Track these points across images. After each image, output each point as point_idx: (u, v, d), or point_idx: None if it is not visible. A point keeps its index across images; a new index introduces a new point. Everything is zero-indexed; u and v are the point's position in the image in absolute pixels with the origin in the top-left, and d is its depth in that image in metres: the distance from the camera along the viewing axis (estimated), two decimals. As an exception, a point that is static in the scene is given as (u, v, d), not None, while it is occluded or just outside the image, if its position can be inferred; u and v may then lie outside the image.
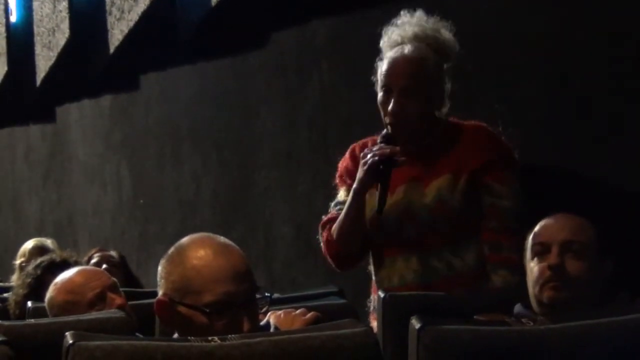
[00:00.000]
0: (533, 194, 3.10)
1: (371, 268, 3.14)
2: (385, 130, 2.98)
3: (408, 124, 2.97)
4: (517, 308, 2.60)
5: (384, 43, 3.05)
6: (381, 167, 2.90)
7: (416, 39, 3.00)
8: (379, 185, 2.91)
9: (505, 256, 2.89)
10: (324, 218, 3.14)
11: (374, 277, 3.12)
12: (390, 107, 2.96)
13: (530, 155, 3.18)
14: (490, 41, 3.36)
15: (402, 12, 3.06)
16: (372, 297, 3.11)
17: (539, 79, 3.18)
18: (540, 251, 2.56)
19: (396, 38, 3.03)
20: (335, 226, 3.06)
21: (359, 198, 2.97)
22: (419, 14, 3.05)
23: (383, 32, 3.07)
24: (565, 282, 2.50)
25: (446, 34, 3.03)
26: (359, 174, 2.94)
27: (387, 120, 2.98)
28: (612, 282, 2.55)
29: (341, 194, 3.10)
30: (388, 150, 2.90)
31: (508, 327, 2.14)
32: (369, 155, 2.91)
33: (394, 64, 2.99)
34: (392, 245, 3.03)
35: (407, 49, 2.99)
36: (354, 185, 2.96)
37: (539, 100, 3.19)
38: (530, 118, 3.21)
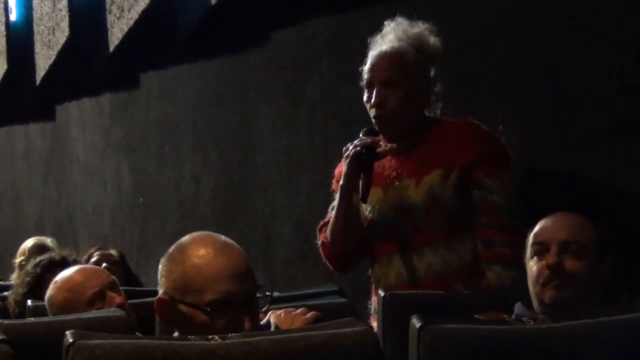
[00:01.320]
0: (533, 193, 3.10)
1: (370, 269, 3.14)
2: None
3: (392, 115, 3.00)
4: (517, 307, 2.60)
5: (370, 54, 3.09)
6: (363, 158, 2.94)
7: (398, 39, 3.03)
8: (362, 174, 2.93)
9: (498, 252, 2.90)
10: (321, 222, 3.16)
11: (372, 278, 3.12)
12: (372, 100, 2.99)
13: (531, 154, 3.19)
14: (491, 41, 3.36)
15: (385, 23, 3.09)
16: (372, 299, 3.11)
17: (540, 79, 3.18)
18: (540, 251, 2.56)
19: (380, 44, 3.06)
20: (328, 227, 3.08)
21: (347, 194, 2.99)
22: (401, 19, 3.08)
23: (369, 43, 3.10)
24: (565, 281, 2.50)
25: (430, 36, 3.06)
26: (343, 168, 2.97)
27: (372, 113, 3.02)
28: (612, 282, 2.54)
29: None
30: (369, 140, 2.95)
31: (508, 326, 2.14)
32: (350, 148, 2.96)
33: (373, 60, 3.05)
34: (388, 244, 3.04)
35: (386, 45, 3.04)
36: (341, 182, 2.99)
37: (539, 100, 3.19)
38: (531, 118, 3.21)
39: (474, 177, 2.95)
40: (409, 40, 3.03)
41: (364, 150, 2.95)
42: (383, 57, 3.02)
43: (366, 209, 3.04)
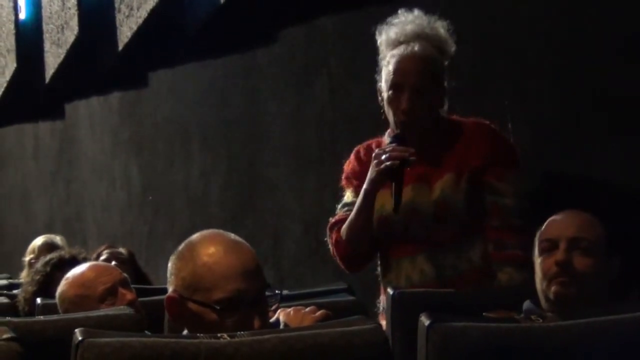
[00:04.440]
0: (542, 190, 3.10)
1: (380, 270, 3.14)
2: (393, 131, 2.99)
3: (420, 122, 2.97)
4: (526, 305, 2.60)
5: (381, 42, 3.05)
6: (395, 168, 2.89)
7: (418, 38, 2.99)
8: (393, 184, 2.90)
9: (509, 253, 2.89)
10: (332, 220, 3.14)
11: (381, 279, 3.12)
12: (403, 106, 2.94)
13: (540, 152, 3.18)
14: (500, 37, 3.36)
15: (399, 11, 3.05)
16: (381, 298, 3.11)
17: (549, 76, 3.18)
18: (548, 247, 2.55)
19: (395, 37, 3.02)
20: (345, 227, 3.06)
21: (370, 198, 2.96)
22: (417, 12, 3.04)
23: (377, 31, 3.06)
24: (573, 278, 2.50)
25: (443, 32, 3.03)
26: (371, 174, 2.92)
27: (397, 117, 2.97)
28: (621, 281, 2.54)
29: (348, 196, 3.10)
30: (407, 154, 2.87)
31: (517, 324, 2.14)
32: (383, 157, 2.88)
33: (404, 62, 2.97)
34: (398, 246, 3.03)
35: (416, 47, 2.97)
36: (365, 186, 2.95)
37: (549, 96, 3.18)
38: (540, 114, 3.21)
39: (485, 180, 2.94)
40: (428, 38, 2.98)
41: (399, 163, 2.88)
42: (414, 61, 2.96)
43: (378, 211, 3.02)
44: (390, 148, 2.90)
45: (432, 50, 2.98)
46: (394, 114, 2.97)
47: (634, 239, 2.76)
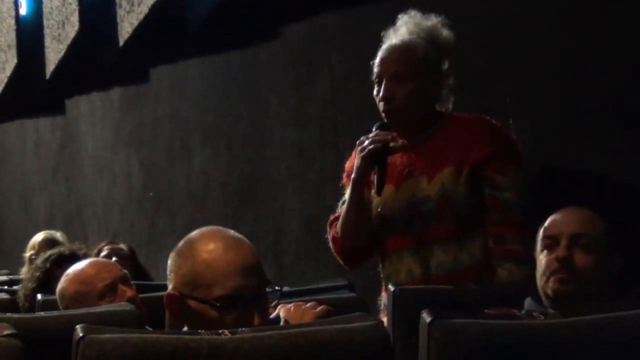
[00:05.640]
0: (544, 187, 3.10)
1: (381, 265, 3.14)
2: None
3: (401, 109, 2.99)
4: (528, 302, 2.60)
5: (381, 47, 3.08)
6: (379, 152, 2.93)
7: (409, 33, 3.02)
8: (377, 168, 2.93)
9: (509, 248, 2.89)
10: (331, 217, 3.14)
11: (382, 274, 3.11)
12: (381, 94, 2.98)
13: (541, 149, 3.18)
14: (501, 35, 3.35)
15: (399, 16, 3.08)
16: (382, 295, 3.11)
17: (550, 73, 3.17)
18: (549, 244, 2.55)
19: (388, 38, 3.06)
20: (339, 222, 3.07)
21: (359, 187, 2.98)
22: (414, 12, 3.06)
23: (382, 36, 3.09)
24: (572, 275, 2.49)
25: (442, 29, 3.04)
26: (356, 162, 2.96)
27: (381, 107, 3.01)
28: (622, 279, 2.53)
29: (348, 193, 3.10)
30: (389, 137, 2.93)
31: (518, 321, 2.13)
32: (366, 142, 2.94)
33: (382, 54, 3.04)
34: (398, 240, 3.03)
35: (395, 39, 3.03)
36: (353, 175, 2.98)
37: (549, 93, 3.18)
38: (541, 112, 3.21)
39: (485, 174, 2.94)
40: (420, 33, 3.02)
41: (382, 147, 2.93)
42: (392, 51, 3.02)
43: (377, 205, 3.03)
44: (373, 134, 2.96)
45: (417, 40, 3.01)
46: (378, 105, 3.00)
47: (637, 236, 2.75)
